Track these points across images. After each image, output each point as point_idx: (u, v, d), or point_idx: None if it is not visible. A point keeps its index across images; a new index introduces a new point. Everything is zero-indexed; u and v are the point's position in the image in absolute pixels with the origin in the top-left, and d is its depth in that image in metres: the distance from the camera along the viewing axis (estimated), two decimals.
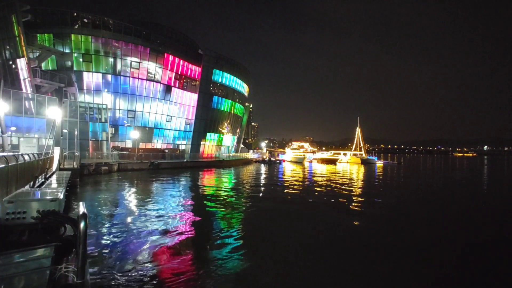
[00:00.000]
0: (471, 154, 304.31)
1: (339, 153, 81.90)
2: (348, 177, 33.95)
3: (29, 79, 33.77)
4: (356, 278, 7.24)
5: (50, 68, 38.35)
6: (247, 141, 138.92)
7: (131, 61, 41.80)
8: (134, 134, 40.53)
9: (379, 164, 69.77)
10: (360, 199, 18.85)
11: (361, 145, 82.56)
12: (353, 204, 16.99)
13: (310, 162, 72.28)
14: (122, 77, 41.43)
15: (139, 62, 42.35)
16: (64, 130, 31.30)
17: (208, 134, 53.32)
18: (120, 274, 6.78)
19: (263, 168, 46.18)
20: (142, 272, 6.94)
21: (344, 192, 21.41)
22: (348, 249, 9.28)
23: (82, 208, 3.42)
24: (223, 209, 14.61)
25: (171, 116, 47.64)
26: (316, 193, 20.78)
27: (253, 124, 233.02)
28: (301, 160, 68.64)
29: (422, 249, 9.46)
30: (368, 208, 15.83)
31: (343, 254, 8.86)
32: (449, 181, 33.59)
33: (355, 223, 12.66)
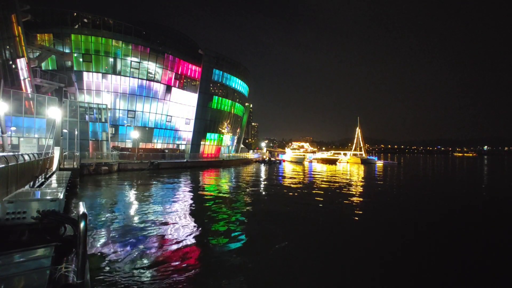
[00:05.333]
0: (471, 154, 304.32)
1: (339, 153, 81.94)
2: (349, 178, 33.96)
3: (29, 79, 33.78)
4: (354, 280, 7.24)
5: (50, 68, 38.37)
6: (247, 141, 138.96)
7: (131, 61, 41.81)
8: (134, 134, 40.54)
9: (379, 164, 69.77)
10: (361, 202, 18.87)
11: (361, 145, 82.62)
12: (354, 206, 17.00)
13: (310, 162, 72.29)
14: (122, 77, 41.44)
15: (139, 62, 42.36)
16: (64, 130, 31.32)
17: (208, 134, 53.33)
18: (120, 274, 6.78)
19: (263, 168, 46.18)
20: (142, 272, 6.95)
21: (345, 193, 21.42)
22: (348, 254, 9.28)
23: (82, 208, 3.41)
24: (223, 210, 14.61)
25: (171, 116, 47.65)
26: (317, 194, 20.78)
27: (253, 124, 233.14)
28: (301, 160, 68.63)
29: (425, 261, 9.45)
30: (369, 211, 15.85)
31: (342, 257, 8.87)
32: (449, 182, 33.60)
33: (356, 228, 12.66)
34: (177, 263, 7.61)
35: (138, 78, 42.67)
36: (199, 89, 49.96)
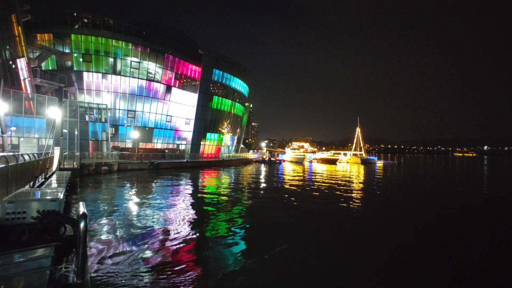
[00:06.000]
0: (471, 154, 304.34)
1: (339, 153, 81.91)
2: (349, 178, 33.98)
3: (29, 79, 33.77)
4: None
5: (50, 68, 38.35)
6: (247, 141, 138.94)
7: (131, 61, 41.79)
8: (134, 134, 40.53)
9: (379, 164, 69.79)
10: (361, 202, 18.88)
11: (361, 145, 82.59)
12: (354, 207, 17.01)
13: (310, 162, 72.30)
14: (122, 77, 41.43)
15: (139, 62, 42.35)
16: (64, 130, 31.30)
17: (208, 134, 53.32)
18: (120, 274, 6.78)
19: (263, 168, 46.18)
20: (142, 273, 6.94)
21: (345, 194, 21.42)
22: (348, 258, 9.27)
23: (82, 208, 3.42)
24: (223, 211, 14.62)
25: (171, 116, 47.64)
26: (317, 195, 20.79)
27: (253, 124, 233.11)
28: (301, 160, 68.63)
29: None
30: (369, 212, 15.86)
31: (342, 258, 8.87)
32: (449, 182, 33.61)
33: (356, 229, 12.66)
34: (177, 264, 7.61)
35: (138, 78, 42.65)
36: (199, 89, 49.94)
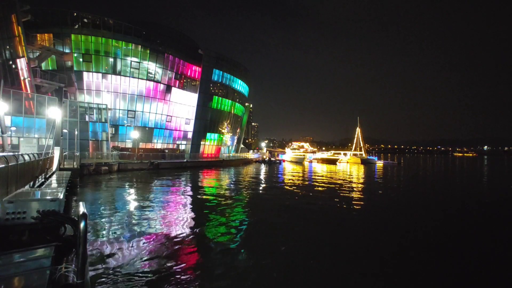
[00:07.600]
0: (471, 154, 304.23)
1: (339, 153, 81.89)
2: (349, 179, 33.98)
3: (29, 79, 33.76)
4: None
5: (50, 68, 38.32)
6: (247, 141, 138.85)
7: (131, 61, 41.77)
8: (134, 134, 40.53)
9: (379, 164, 69.75)
10: (361, 203, 18.88)
11: (361, 145, 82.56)
12: (355, 208, 17.01)
13: (310, 162, 72.29)
14: (122, 77, 41.41)
15: (139, 62, 42.33)
16: (64, 130, 31.28)
17: (208, 134, 53.30)
18: (120, 275, 6.78)
19: (263, 168, 46.17)
20: (142, 273, 6.94)
21: (345, 195, 21.43)
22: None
23: (82, 208, 3.41)
24: (223, 213, 14.62)
25: (171, 116, 47.62)
26: (317, 196, 20.79)
27: (253, 124, 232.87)
28: (301, 160, 68.62)
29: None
30: (369, 213, 15.86)
31: (343, 261, 8.86)
32: (449, 183, 33.60)
33: (356, 230, 12.66)
34: (177, 266, 7.60)
35: (138, 78, 42.62)
36: (199, 89, 49.92)
